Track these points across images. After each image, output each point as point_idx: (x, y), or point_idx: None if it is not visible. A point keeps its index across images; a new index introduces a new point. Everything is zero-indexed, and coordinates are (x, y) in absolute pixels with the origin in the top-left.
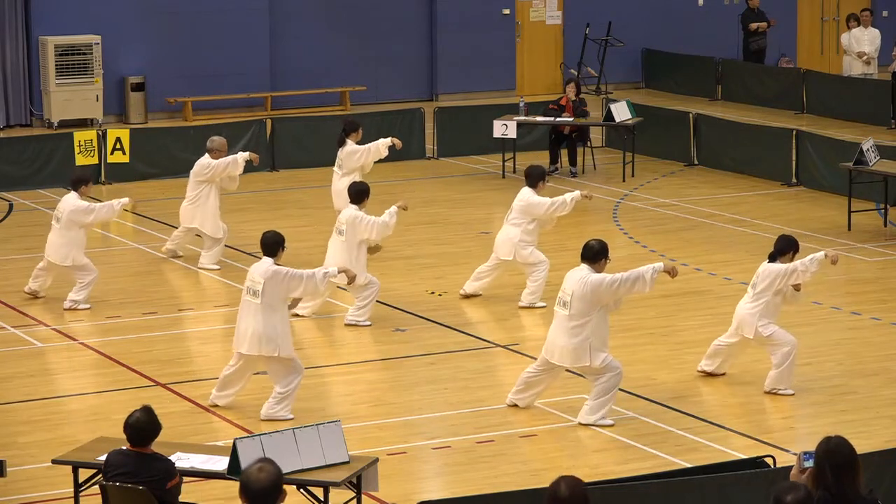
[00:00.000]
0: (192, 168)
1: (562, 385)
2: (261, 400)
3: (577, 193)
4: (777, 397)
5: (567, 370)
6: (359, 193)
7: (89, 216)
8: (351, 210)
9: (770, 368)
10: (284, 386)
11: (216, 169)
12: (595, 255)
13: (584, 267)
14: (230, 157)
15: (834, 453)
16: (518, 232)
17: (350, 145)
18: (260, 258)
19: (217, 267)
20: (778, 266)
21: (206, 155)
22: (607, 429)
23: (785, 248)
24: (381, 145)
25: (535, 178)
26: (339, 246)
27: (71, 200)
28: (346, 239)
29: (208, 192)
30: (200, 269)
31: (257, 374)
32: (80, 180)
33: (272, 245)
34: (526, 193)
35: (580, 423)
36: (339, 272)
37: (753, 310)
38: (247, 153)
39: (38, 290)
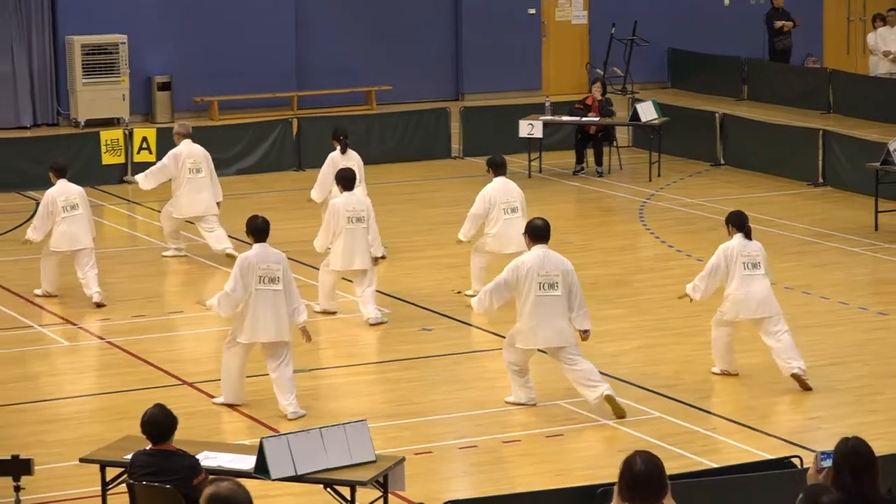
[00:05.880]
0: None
1: None
2: None
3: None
4: (804, 397)
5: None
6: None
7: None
8: (361, 196)
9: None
10: (290, 390)
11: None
12: (549, 233)
13: (544, 247)
14: None
15: (852, 454)
16: None
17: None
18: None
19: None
20: None
21: (191, 143)
22: (634, 429)
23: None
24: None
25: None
26: (361, 233)
27: (79, 189)
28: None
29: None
30: (228, 254)
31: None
32: (68, 165)
33: (267, 230)
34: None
35: (595, 400)
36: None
37: (769, 286)
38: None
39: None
